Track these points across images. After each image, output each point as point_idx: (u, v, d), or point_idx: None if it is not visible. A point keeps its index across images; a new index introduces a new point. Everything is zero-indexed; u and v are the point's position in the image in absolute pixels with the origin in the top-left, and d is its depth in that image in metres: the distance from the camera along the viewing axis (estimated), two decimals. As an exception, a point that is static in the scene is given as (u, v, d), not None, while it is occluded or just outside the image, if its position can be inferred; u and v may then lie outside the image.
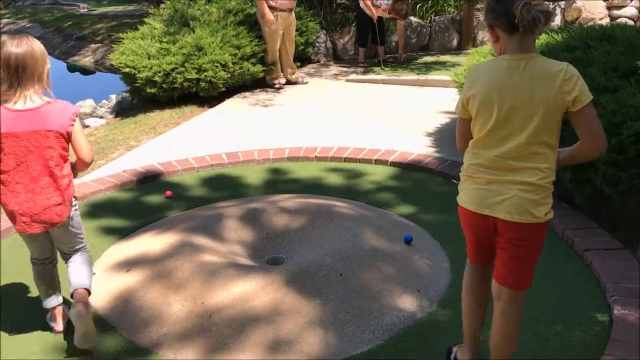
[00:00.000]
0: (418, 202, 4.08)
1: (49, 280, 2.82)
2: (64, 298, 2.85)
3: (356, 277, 2.96)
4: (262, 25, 7.29)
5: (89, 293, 2.72)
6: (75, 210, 2.76)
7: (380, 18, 8.27)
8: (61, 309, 2.83)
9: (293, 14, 7.45)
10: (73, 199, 2.71)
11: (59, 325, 2.80)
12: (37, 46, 2.54)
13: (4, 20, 17.90)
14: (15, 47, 2.49)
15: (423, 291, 2.97)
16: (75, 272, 2.75)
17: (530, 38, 2.01)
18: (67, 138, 2.58)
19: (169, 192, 4.28)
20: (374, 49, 8.67)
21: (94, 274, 3.21)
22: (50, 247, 2.81)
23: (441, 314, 2.85)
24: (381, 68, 8.25)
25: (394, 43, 9.15)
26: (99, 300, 2.99)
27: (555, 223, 3.59)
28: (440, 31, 9.32)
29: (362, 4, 8.11)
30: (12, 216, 2.59)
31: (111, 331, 2.77)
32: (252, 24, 7.42)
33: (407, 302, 2.88)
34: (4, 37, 2.54)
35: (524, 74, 2.00)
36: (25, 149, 2.51)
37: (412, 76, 7.65)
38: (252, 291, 2.84)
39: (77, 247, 2.83)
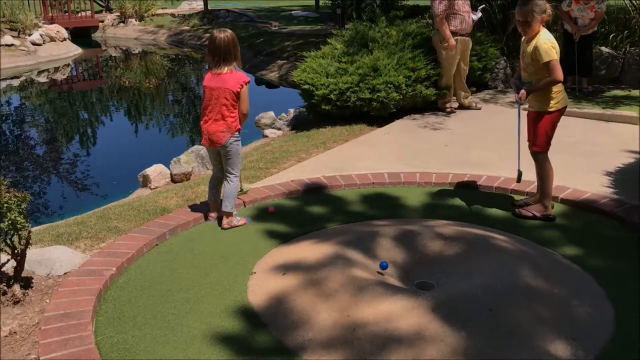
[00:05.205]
0: (586, 244, 3.81)
1: (212, 185, 4.31)
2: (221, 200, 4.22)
3: (506, 314, 2.86)
4: (439, 50, 7.31)
5: (231, 214, 4.17)
6: (236, 140, 4.11)
7: (588, 42, 7.87)
8: (216, 205, 4.25)
9: (469, 38, 7.38)
10: (236, 132, 4.09)
11: (212, 217, 4.27)
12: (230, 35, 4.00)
13: (207, 35, 19.91)
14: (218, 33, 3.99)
15: (579, 340, 2.77)
16: (222, 202, 4.17)
17: None
18: (236, 94, 4.00)
19: (271, 209, 4.43)
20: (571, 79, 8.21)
21: (254, 272, 3.48)
22: (219, 164, 4.23)
23: (598, 368, 2.64)
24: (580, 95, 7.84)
25: (603, 72, 8.57)
26: (256, 297, 3.22)
27: None
28: (635, 63, 8.57)
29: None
30: (202, 134, 4.15)
31: (262, 329, 2.96)
32: (430, 48, 7.47)
33: (560, 349, 2.70)
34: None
35: None
36: (212, 96, 4.03)
37: (596, 109, 7.13)
38: (397, 312, 2.87)
39: (230, 168, 4.15)
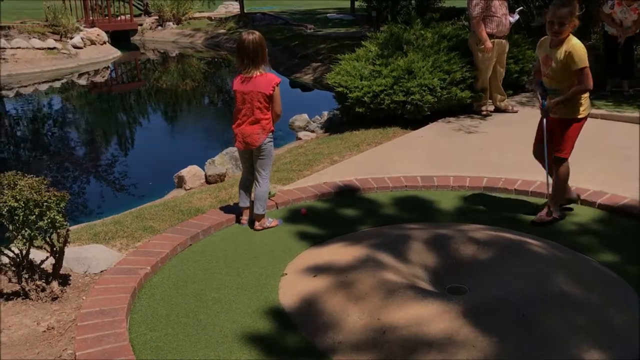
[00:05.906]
0: (624, 251, 3.72)
1: (244, 188, 4.29)
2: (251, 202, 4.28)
3: (540, 321, 2.80)
4: (475, 52, 7.23)
5: (263, 216, 4.19)
6: (270, 140, 4.13)
7: (629, 45, 7.70)
8: (247, 210, 4.28)
9: (506, 40, 7.28)
10: (270, 133, 4.10)
11: (244, 220, 4.29)
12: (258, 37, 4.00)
13: (243, 38, 20.07)
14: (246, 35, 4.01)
15: (616, 349, 2.71)
16: (254, 205, 4.20)
17: None
18: (269, 97, 4.01)
19: (304, 210, 4.46)
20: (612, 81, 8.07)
21: (285, 274, 3.50)
22: (251, 167, 4.22)
23: (635, 379, 2.57)
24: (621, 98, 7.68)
25: None
26: (287, 298, 3.24)
27: None
28: (679, 66, 8.33)
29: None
30: (236, 137, 4.15)
31: (293, 330, 2.98)
32: (465, 50, 7.39)
33: (595, 358, 2.64)
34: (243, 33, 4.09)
35: None
36: (245, 100, 4.04)
37: (637, 113, 6.95)
38: (428, 316, 2.85)
39: (262, 169, 4.15)
